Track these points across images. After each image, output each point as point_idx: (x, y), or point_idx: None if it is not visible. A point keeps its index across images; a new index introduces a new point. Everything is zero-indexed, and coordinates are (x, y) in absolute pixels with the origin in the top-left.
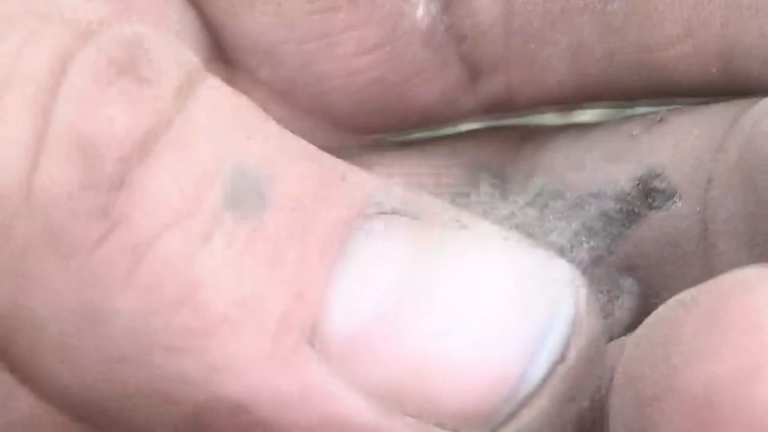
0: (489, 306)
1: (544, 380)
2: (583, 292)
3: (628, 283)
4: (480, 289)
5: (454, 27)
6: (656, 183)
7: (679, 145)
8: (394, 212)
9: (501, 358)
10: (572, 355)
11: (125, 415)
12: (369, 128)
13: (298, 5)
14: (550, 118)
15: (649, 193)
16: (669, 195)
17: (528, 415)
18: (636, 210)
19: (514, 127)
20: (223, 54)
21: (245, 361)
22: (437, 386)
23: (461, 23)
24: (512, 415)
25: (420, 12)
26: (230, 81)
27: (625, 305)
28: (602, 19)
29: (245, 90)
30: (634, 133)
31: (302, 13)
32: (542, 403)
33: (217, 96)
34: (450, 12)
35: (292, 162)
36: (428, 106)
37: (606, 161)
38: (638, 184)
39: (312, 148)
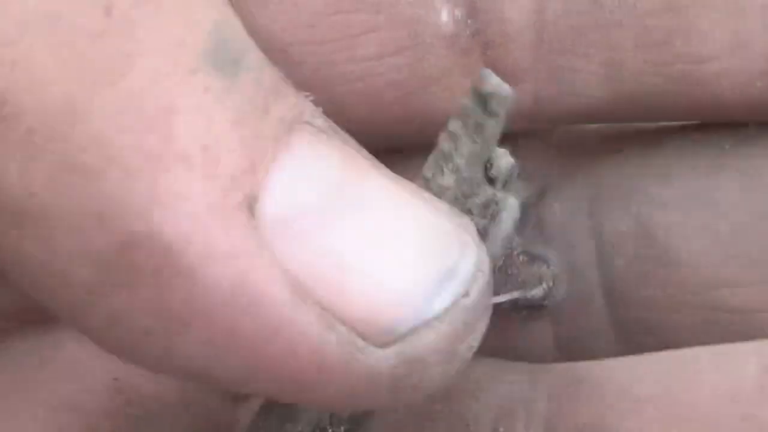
0: (410, 235)
1: (447, 309)
2: (482, 248)
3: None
4: (404, 221)
5: (480, 33)
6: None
7: None
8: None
9: (412, 280)
10: (474, 293)
11: (56, 234)
12: (386, 135)
13: (317, 5)
14: None
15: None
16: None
17: (426, 337)
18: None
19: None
20: None
21: (189, 203)
22: (348, 287)
23: (488, 29)
24: (411, 333)
25: (444, 16)
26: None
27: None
28: (642, 32)
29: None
30: None
31: (322, 13)
32: (442, 328)
33: None
34: (476, 17)
35: (258, 50)
36: (449, 113)
37: None
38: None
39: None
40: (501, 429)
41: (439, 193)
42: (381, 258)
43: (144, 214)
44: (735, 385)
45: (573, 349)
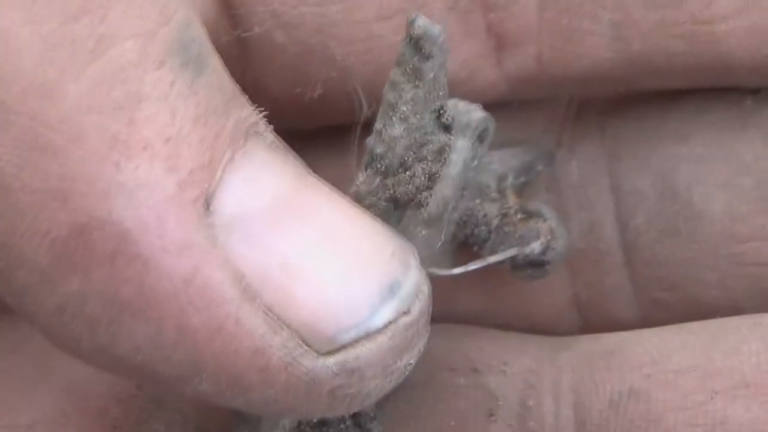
0: (356, 249)
1: (389, 323)
2: (423, 272)
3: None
4: (352, 235)
5: None
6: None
7: None
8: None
9: (356, 291)
10: (415, 311)
11: (16, 211)
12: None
13: None
14: None
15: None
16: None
17: (367, 348)
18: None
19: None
20: (233, 16)
21: (150, 193)
22: (295, 293)
23: None
24: (353, 344)
25: None
26: (241, 43)
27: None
28: None
29: (257, 53)
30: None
31: None
32: (383, 341)
33: None
34: None
35: (219, 58)
36: (449, 77)
37: None
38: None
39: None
40: (530, 402)
41: (392, 144)
42: (328, 267)
43: (105, 198)
44: None
45: (591, 308)
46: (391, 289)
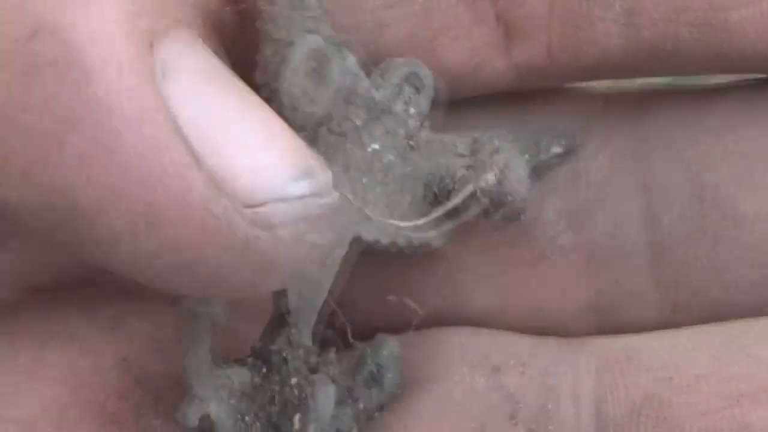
0: (281, 134)
1: (303, 197)
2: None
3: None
4: (276, 123)
5: None
6: None
7: None
8: None
9: (280, 163)
10: (327, 200)
11: None
12: None
13: None
14: None
15: None
16: None
17: (281, 208)
18: None
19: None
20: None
21: (100, 10)
22: (223, 145)
23: None
24: (269, 204)
25: None
26: (243, 32)
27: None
28: None
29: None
30: None
31: None
32: (296, 206)
33: None
34: None
35: None
36: (457, 67)
37: None
38: None
39: None
40: (549, 406)
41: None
42: (253, 134)
43: (59, 6)
44: None
45: (610, 309)
46: (308, 173)
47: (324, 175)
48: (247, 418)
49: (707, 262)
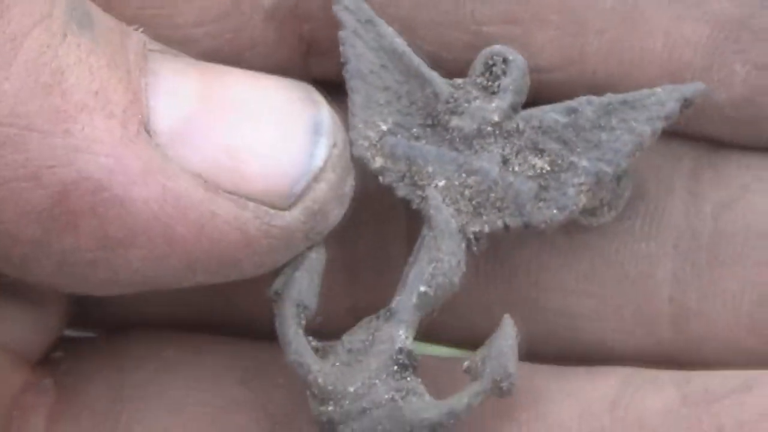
0: (272, 110)
1: (326, 160)
2: (328, 106)
3: None
4: (262, 101)
5: (299, 6)
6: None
7: None
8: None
9: (291, 145)
10: (340, 140)
11: None
12: None
13: None
14: None
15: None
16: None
17: (320, 189)
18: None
19: None
20: None
21: (101, 143)
22: (245, 169)
23: (307, 3)
24: (308, 189)
25: None
26: None
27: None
28: (474, 39)
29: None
30: None
31: None
32: (329, 176)
33: None
34: None
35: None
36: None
37: None
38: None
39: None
40: None
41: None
42: (261, 138)
43: (69, 162)
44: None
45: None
46: (316, 130)
47: (325, 113)
48: None
49: None
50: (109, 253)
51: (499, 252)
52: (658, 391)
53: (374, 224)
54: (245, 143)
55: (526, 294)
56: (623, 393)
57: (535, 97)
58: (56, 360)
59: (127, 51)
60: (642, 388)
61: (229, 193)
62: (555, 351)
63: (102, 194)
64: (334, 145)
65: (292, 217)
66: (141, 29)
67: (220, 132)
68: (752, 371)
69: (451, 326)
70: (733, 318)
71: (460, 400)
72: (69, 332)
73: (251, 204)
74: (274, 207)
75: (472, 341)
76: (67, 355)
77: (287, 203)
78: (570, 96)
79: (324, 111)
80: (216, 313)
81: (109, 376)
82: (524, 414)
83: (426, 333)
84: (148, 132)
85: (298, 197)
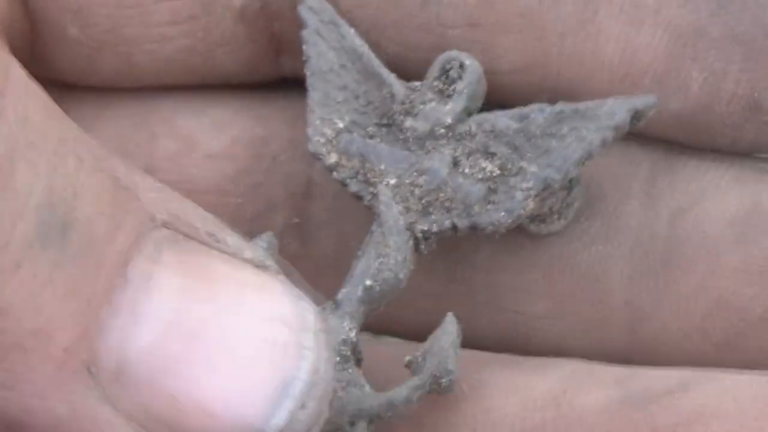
0: (244, 359)
1: (286, 425)
2: (323, 337)
3: None
4: (240, 343)
5: (269, 5)
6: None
7: None
8: (164, 224)
9: (248, 405)
10: (311, 403)
11: None
12: (171, 85)
13: None
14: None
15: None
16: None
17: None
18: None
19: None
20: (27, 7)
21: (28, 384)
22: (191, 425)
23: (277, 2)
24: None
25: None
26: (33, 35)
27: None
28: (441, 41)
29: (48, 47)
30: None
31: None
32: None
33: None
34: None
35: (90, 180)
36: (230, 72)
37: None
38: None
39: (106, 156)
40: None
41: None
42: (217, 390)
43: (3, 406)
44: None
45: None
46: (284, 389)
47: (305, 367)
48: None
49: None
50: None
51: (458, 252)
52: (600, 388)
53: (337, 223)
54: (196, 395)
55: (484, 293)
56: (567, 388)
57: (500, 100)
58: None
59: (103, 264)
60: (585, 384)
61: None
62: (510, 351)
63: None
64: (302, 407)
65: None
66: (163, 191)
67: (171, 375)
68: (691, 370)
69: (409, 323)
70: (687, 322)
71: (399, 393)
72: None
73: None
74: None
75: None
76: None
77: None
78: (534, 99)
79: (303, 365)
80: None
81: None
82: (470, 408)
83: (384, 329)
84: (89, 370)
85: None
